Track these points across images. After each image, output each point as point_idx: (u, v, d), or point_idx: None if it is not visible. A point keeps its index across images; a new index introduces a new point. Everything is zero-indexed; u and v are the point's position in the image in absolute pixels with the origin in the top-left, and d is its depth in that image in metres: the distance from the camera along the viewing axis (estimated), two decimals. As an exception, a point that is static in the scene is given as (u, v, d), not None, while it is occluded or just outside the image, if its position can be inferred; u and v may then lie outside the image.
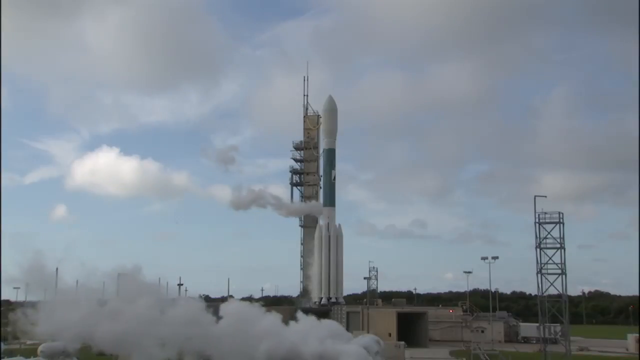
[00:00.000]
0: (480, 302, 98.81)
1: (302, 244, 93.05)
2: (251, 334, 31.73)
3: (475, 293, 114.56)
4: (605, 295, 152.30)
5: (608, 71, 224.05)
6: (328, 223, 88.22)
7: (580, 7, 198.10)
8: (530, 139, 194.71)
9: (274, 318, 35.36)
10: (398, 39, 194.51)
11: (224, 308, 35.08)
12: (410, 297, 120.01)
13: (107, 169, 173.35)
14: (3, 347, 46.40)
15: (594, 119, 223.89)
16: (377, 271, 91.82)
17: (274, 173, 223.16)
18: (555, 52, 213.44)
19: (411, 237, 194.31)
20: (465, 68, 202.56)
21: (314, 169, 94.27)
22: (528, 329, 75.16)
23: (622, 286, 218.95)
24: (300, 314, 40.80)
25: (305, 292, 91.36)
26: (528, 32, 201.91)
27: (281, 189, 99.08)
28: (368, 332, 57.12)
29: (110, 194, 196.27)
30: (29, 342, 57.67)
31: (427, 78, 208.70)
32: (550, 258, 39.67)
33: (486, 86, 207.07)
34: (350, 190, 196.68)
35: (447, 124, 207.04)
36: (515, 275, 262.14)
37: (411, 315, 71.45)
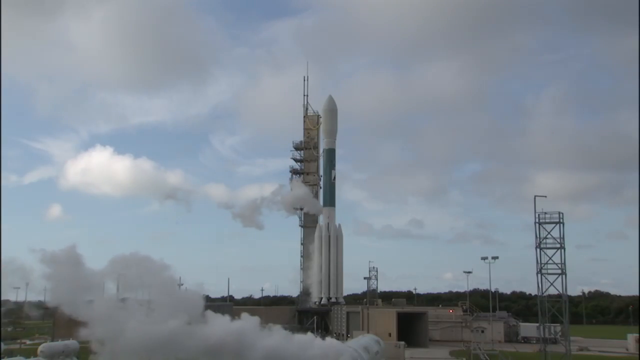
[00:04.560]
0: (480, 302, 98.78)
1: (302, 244, 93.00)
2: None
3: (475, 293, 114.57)
4: (605, 295, 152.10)
5: (599, 71, 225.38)
6: (328, 223, 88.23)
7: (571, 7, 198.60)
8: (523, 138, 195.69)
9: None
10: (391, 39, 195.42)
11: None
12: (410, 297, 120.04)
13: (105, 168, 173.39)
14: (3, 347, 46.42)
15: (587, 118, 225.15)
16: (377, 271, 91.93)
17: (273, 173, 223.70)
18: (546, 51, 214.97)
19: (409, 237, 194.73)
20: (458, 68, 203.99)
21: (314, 169, 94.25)
22: (528, 329, 75.13)
23: (622, 286, 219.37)
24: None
25: (305, 292, 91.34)
26: (519, 32, 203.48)
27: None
28: (368, 332, 57.06)
29: (108, 193, 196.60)
30: (28, 342, 57.73)
31: (419, 78, 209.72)
32: (550, 258, 39.66)
33: (478, 85, 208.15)
34: (347, 190, 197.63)
35: (439, 124, 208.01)
36: (515, 275, 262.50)
37: (411, 315, 71.35)
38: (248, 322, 27.61)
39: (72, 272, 26.24)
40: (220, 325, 26.58)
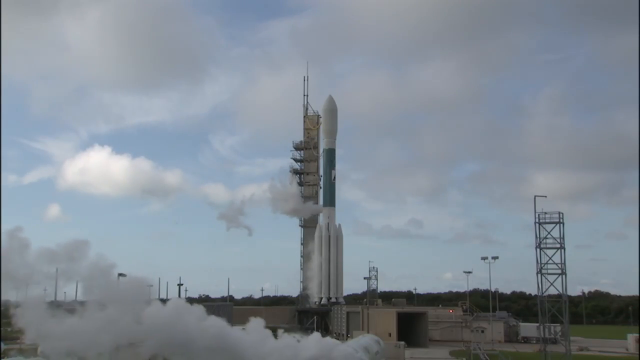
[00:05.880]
0: (480, 302, 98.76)
1: (302, 244, 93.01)
2: None
3: (475, 293, 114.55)
4: (605, 295, 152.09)
5: (597, 70, 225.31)
6: (328, 223, 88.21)
7: (568, 6, 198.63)
8: (521, 138, 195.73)
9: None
10: (388, 39, 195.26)
11: None
12: (410, 297, 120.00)
13: (104, 168, 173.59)
14: (3, 347, 46.34)
15: (586, 118, 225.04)
16: (377, 271, 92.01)
17: (273, 173, 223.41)
18: (543, 51, 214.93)
19: (408, 236, 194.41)
20: (456, 67, 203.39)
21: (314, 169, 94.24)
22: (528, 329, 75.15)
23: (622, 286, 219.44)
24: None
25: (305, 292, 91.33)
26: (516, 32, 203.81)
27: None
28: (368, 332, 57.07)
29: (107, 193, 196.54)
30: (28, 342, 57.57)
31: (417, 77, 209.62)
32: (550, 258, 39.67)
33: (476, 85, 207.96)
34: (346, 190, 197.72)
35: (438, 124, 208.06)
36: (515, 275, 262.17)
37: (411, 315, 71.35)
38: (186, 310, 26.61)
39: (9, 265, 24.77)
40: (151, 316, 25.03)
